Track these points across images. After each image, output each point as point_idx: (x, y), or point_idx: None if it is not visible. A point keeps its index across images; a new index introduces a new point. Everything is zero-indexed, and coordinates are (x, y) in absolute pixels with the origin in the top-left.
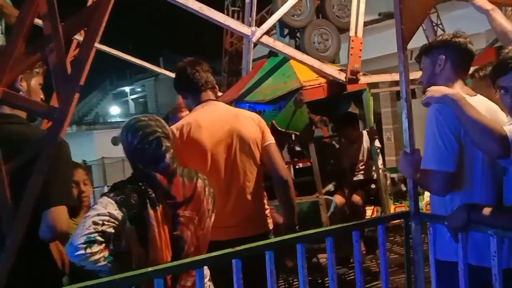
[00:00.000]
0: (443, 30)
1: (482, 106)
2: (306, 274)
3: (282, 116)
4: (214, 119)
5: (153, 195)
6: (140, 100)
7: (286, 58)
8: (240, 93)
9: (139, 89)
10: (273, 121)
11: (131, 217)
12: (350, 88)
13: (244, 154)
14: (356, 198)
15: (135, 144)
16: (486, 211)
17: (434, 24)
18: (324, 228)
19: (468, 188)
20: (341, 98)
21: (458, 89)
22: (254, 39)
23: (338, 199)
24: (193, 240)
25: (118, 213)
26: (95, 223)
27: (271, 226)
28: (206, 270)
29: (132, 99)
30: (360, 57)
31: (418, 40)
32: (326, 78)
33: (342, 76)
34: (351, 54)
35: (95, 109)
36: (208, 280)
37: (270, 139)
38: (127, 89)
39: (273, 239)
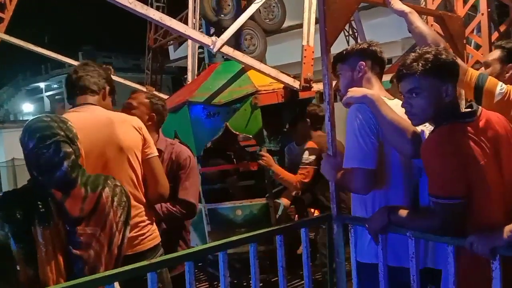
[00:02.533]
0: (355, 40)
1: (399, 109)
2: (228, 282)
3: (236, 119)
4: (86, 125)
5: (43, 209)
6: (57, 97)
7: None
8: (194, 94)
9: (56, 86)
10: (227, 123)
11: (15, 234)
12: (302, 95)
13: (120, 164)
14: (284, 200)
15: (30, 148)
16: (404, 213)
17: (347, 34)
18: (247, 234)
19: (386, 188)
20: (286, 107)
21: (377, 91)
22: (214, 49)
23: (285, 201)
24: (98, 260)
25: None
26: None
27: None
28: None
29: (47, 96)
30: (312, 65)
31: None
32: (280, 84)
33: (296, 84)
34: (304, 63)
35: (5, 106)
36: None
37: (154, 152)
38: (42, 85)
39: (194, 249)
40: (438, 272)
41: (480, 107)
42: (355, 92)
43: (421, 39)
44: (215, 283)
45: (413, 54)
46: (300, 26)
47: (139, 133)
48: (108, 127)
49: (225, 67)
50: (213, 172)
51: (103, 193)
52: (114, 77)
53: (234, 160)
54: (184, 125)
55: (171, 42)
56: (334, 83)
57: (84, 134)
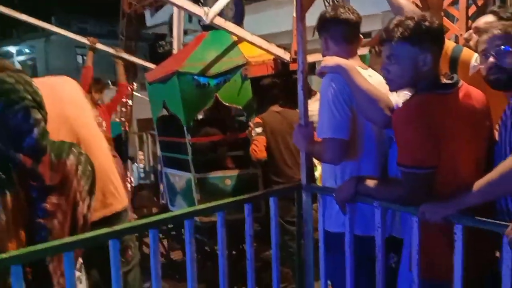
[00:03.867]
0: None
1: (373, 79)
2: (194, 250)
3: (226, 90)
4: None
5: (4, 176)
6: (29, 62)
7: (228, 33)
8: (183, 64)
9: (28, 51)
10: (217, 95)
11: None
12: (293, 67)
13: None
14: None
15: None
16: (372, 183)
17: (327, 5)
18: (215, 203)
19: (357, 159)
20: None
21: (351, 61)
22: (208, 20)
23: None
24: (61, 230)
25: None
26: None
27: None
28: (78, 260)
29: (19, 62)
30: None
31: None
32: (270, 56)
33: (287, 56)
34: (295, 35)
35: None
36: (79, 270)
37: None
38: (13, 49)
39: (159, 216)
40: (400, 241)
41: (461, 80)
42: (329, 61)
43: (398, 11)
44: (206, 247)
45: (397, 19)
46: None
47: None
48: (67, 89)
49: (214, 36)
50: (203, 142)
51: (67, 161)
52: (99, 45)
53: (226, 131)
54: (174, 95)
55: (147, 7)
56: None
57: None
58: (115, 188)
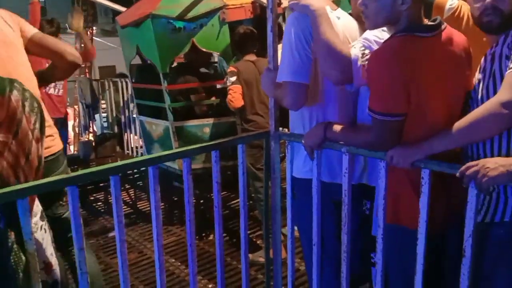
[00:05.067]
0: None
1: (341, 21)
2: (158, 198)
3: (203, 34)
4: None
5: None
6: None
7: None
8: (157, 7)
9: None
10: (193, 39)
11: None
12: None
13: (18, 63)
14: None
15: None
16: (340, 128)
17: None
18: (181, 149)
19: (322, 104)
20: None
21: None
22: None
23: None
24: (14, 173)
25: None
26: None
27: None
28: (37, 207)
29: None
30: None
31: None
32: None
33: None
34: None
35: None
36: (40, 219)
37: (32, 30)
38: None
39: (120, 163)
40: (373, 189)
41: (445, 23)
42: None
43: None
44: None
45: None
46: None
47: (14, 21)
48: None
49: None
50: (180, 89)
51: (12, 97)
52: None
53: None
54: (148, 40)
55: None
56: None
57: None
58: (50, 130)
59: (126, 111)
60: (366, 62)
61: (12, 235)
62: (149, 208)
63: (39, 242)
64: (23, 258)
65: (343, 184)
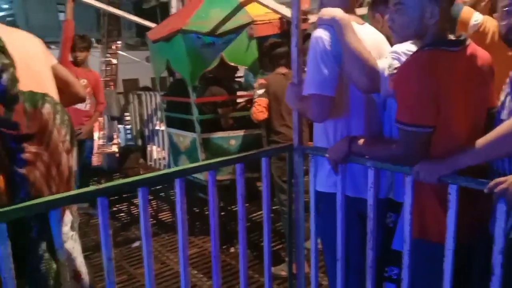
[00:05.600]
0: None
1: (368, 35)
2: (184, 210)
3: (231, 49)
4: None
5: None
6: (8, 19)
7: None
8: (187, 22)
9: (6, 6)
10: (222, 54)
11: None
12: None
13: (50, 79)
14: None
15: None
16: (366, 142)
17: None
18: (206, 162)
19: (348, 117)
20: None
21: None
22: None
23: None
24: (46, 182)
25: None
26: None
27: None
28: (67, 217)
29: None
30: None
31: None
32: (276, 15)
33: None
34: None
35: None
36: (71, 229)
37: (54, 59)
38: None
39: (149, 174)
40: (400, 203)
41: (469, 39)
42: (325, 12)
43: None
44: (206, 208)
45: None
46: None
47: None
48: (27, 41)
49: None
50: (207, 102)
51: (43, 110)
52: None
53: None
54: (178, 54)
55: None
56: None
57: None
58: None
59: (150, 123)
60: (394, 72)
61: (44, 244)
62: (171, 219)
63: (70, 252)
64: (54, 266)
65: (369, 199)
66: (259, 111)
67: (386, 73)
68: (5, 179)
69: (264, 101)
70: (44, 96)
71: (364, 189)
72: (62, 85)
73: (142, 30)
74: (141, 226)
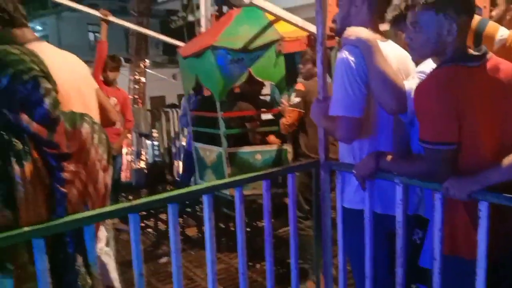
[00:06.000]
0: None
1: (392, 52)
2: (213, 226)
3: (259, 65)
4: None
5: (20, 147)
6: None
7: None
8: (217, 39)
9: (39, 28)
10: (250, 70)
11: None
12: (328, 43)
13: (93, 101)
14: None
15: (5, 85)
16: (393, 158)
17: None
18: (234, 178)
19: (374, 136)
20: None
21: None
22: (247, 1)
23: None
24: (82, 199)
25: None
26: None
27: None
28: (102, 232)
29: None
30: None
31: None
32: (303, 32)
33: None
34: (329, 12)
35: None
36: (106, 244)
37: (95, 83)
38: None
39: (179, 191)
40: (427, 220)
41: (490, 52)
42: (350, 33)
43: None
44: (231, 223)
45: None
46: None
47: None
48: (77, 63)
49: (247, 13)
50: (235, 117)
51: (82, 130)
52: (113, 19)
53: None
54: (207, 70)
55: None
56: None
57: (56, 69)
58: None
59: (176, 140)
60: None
61: (80, 259)
62: (196, 235)
63: (104, 267)
64: (89, 281)
65: (397, 216)
66: (288, 124)
67: (413, 95)
68: (46, 196)
69: (295, 113)
70: (82, 116)
71: (392, 206)
72: (99, 108)
73: (168, 48)
74: (171, 242)
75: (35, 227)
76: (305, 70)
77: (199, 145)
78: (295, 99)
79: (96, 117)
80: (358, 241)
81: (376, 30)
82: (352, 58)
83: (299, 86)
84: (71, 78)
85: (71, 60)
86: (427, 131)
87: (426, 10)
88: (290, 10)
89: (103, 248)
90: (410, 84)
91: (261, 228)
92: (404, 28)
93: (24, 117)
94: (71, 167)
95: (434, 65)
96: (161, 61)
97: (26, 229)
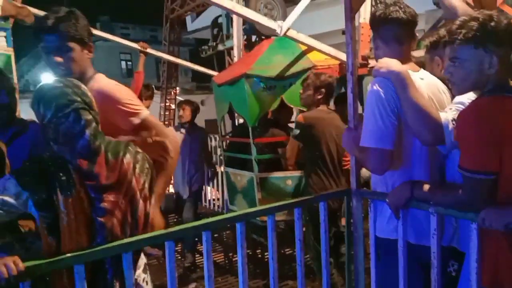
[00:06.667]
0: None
1: (424, 82)
2: (245, 254)
3: (291, 92)
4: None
5: (64, 177)
6: None
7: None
8: (251, 67)
9: None
10: (283, 96)
11: (36, 202)
12: (360, 71)
13: None
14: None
15: (48, 118)
16: (428, 187)
17: (373, 4)
18: (266, 206)
19: (407, 166)
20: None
21: (404, 65)
22: (281, 33)
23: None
24: (122, 228)
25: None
26: None
27: None
28: (142, 260)
29: None
30: (369, 42)
31: None
32: (335, 60)
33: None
34: (362, 41)
35: (25, 77)
36: (143, 271)
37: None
38: None
39: (212, 219)
40: (463, 253)
41: None
42: (382, 65)
43: (450, 12)
44: (258, 250)
45: (462, 18)
46: None
47: None
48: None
49: (279, 42)
50: (266, 142)
51: (124, 160)
52: (151, 51)
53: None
54: (240, 97)
55: (189, 12)
56: None
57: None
58: None
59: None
60: None
61: (117, 286)
62: (223, 260)
63: None
64: None
65: (432, 246)
66: (287, 156)
67: (451, 126)
68: (86, 225)
69: (293, 146)
70: (127, 146)
71: (426, 236)
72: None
73: (197, 75)
74: (204, 269)
75: (76, 253)
76: (305, 96)
77: (230, 170)
78: (296, 131)
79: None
80: (392, 272)
81: (408, 61)
82: (383, 90)
83: (300, 118)
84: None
85: (124, 91)
86: (467, 159)
87: (465, 45)
88: (315, 36)
89: (141, 274)
90: (447, 116)
91: (288, 255)
92: (441, 54)
93: (69, 149)
94: (110, 197)
95: (471, 96)
96: (190, 87)
97: (68, 255)
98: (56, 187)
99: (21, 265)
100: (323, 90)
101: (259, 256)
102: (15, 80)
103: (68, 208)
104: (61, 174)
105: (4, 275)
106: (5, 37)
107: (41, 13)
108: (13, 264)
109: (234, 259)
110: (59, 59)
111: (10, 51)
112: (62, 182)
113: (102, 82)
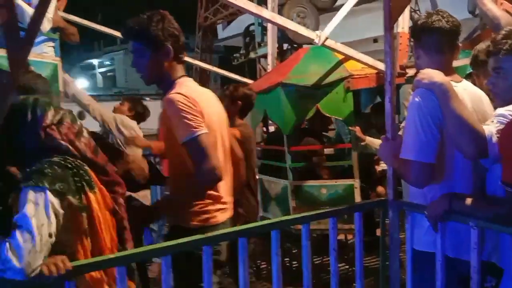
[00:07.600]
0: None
1: (467, 94)
2: (280, 262)
3: (327, 101)
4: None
5: (87, 176)
6: (109, 74)
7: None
8: (287, 76)
9: (108, 62)
10: (318, 105)
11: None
12: (397, 81)
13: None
14: (380, 188)
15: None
16: (469, 201)
17: (412, 10)
18: (300, 215)
19: (448, 179)
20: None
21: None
22: (319, 43)
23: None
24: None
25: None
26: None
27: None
28: None
29: (100, 73)
30: (407, 51)
31: None
32: (372, 69)
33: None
34: (400, 50)
35: None
36: None
37: None
38: (95, 61)
39: (243, 226)
40: (501, 269)
41: None
42: (424, 76)
43: (493, 23)
44: (286, 259)
45: (508, 28)
46: (358, 3)
47: None
48: (217, 100)
49: (315, 51)
50: (302, 151)
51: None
52: (188, 59)
53: (324, 141)
54: (276, 105)
55: (221, 20)
56: None
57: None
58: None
59: None
60: None
61: None
62: (251, 267)
63: None
64: None
65: (472, 261)
66: None
67: (494, 140)
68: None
69: None
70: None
71: (464, 250)
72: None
73: (226, 82)
74: (239, 276)
75: (119, 254)
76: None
77: (264, 177)
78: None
79: (227, 156)
80: (428, 286)
81: (450, 72)
82: (425, 102)
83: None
84: (217, 114)
85: (212, 96)
86: (509, 173)
87: (510, 56)
88: (346, 45)
89: None
90: (491, 128)
91: (320, 264)
92: (481, 73)
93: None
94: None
95: (511, 108)
96: (219, 94)
97: (110, 256)
98: (84, 186)
99: (69, 265)
100: (239, 102)
101: (287, 264)
102: (61, 87)
103: (99, 205)
104: (83, 173)
105: (54, 273)
106: (54, 47)
107: (82, 21)
108: (62, 263)
109: (262, 266)
110: (136, 64)
111: (58, 61)
112: (87, 181)
113: (176, 89)
